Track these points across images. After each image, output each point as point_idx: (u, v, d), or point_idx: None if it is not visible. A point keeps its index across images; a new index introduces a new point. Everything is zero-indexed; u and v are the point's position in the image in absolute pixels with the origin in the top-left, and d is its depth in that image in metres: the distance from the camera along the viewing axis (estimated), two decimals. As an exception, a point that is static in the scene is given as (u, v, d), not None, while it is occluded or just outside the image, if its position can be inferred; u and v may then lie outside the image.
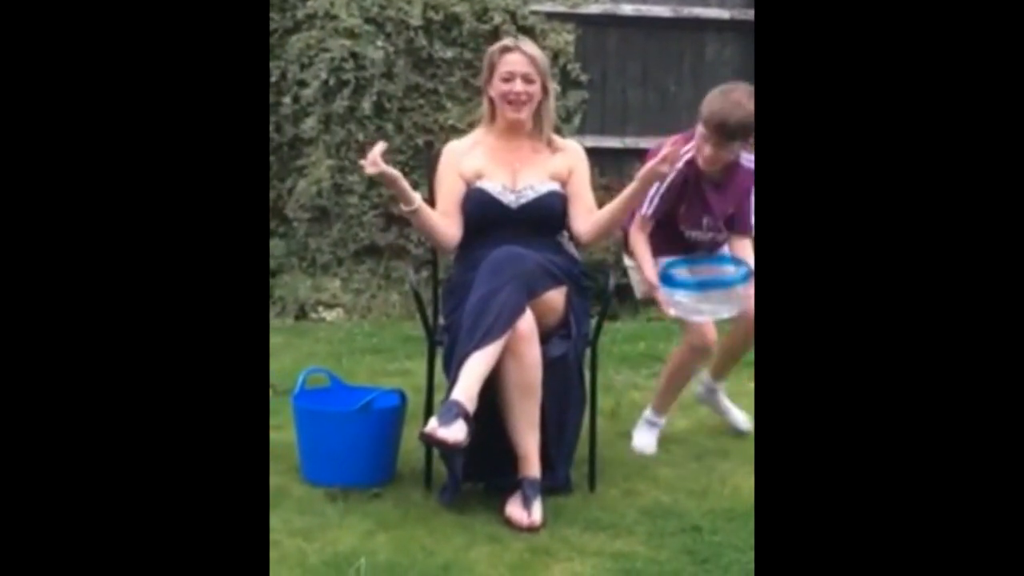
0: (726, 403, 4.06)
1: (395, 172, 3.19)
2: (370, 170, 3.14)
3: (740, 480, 3.43)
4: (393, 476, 3.38)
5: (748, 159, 3.69)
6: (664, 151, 3.19)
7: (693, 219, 3.71)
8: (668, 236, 3.71)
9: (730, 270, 3.71)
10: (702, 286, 3.67)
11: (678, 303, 3.61)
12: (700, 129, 3.58)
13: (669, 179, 3.51)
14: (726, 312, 3.64)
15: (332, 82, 6.09)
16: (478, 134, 3.49)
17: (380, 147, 3.12)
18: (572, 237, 3.46)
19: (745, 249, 3.75)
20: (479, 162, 3.40)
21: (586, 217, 3.40)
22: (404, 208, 3.28)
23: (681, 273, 3.68)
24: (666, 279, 3.63)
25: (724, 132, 3.52)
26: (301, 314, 5.95)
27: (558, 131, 3.59)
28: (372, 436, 3.33)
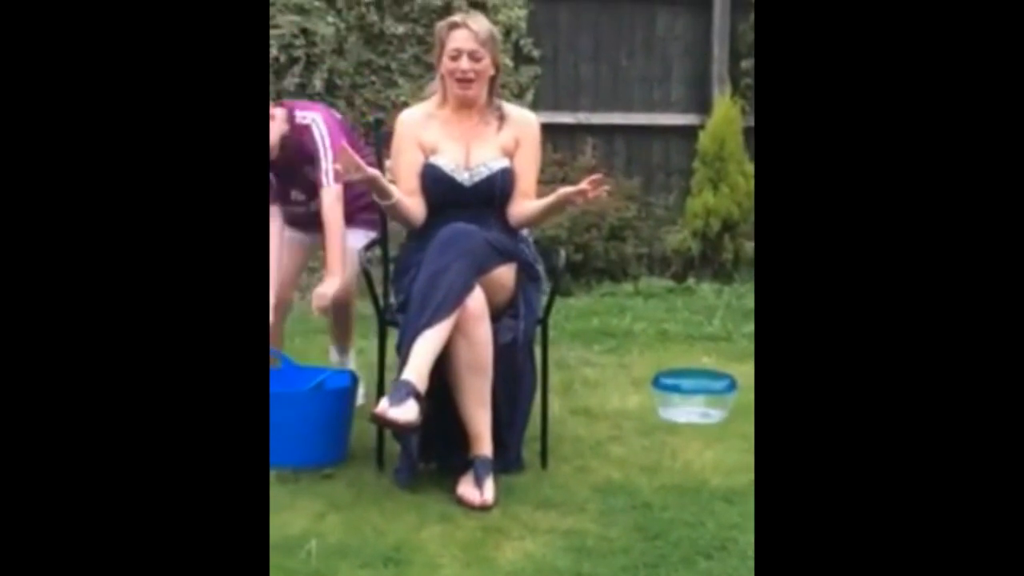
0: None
1: (375, 172, 3.18)
2: (355, 176, 3.12)
3: (690, 456, 3.45)
4: (345, 457, 3.37)
5: (300, 115, 3.57)
6: (584, 186, 3.18)
7: (284, 195, 3.69)
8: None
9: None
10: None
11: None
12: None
13: None
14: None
15: (283, 59, 6.03)
16: (431, 106, 3.45)
17: (352, 153, 3.11)
18: None
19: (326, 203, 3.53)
20: (434, 136, 3.38)
21: (518, 201, 3.36)
22: (381, 203, 3.26)
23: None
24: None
25: None
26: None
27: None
28: (323, 416, 3.32)
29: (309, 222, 3.69)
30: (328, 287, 3.44)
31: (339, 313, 3.72)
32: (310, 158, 3.51)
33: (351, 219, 3.62)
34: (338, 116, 3.70)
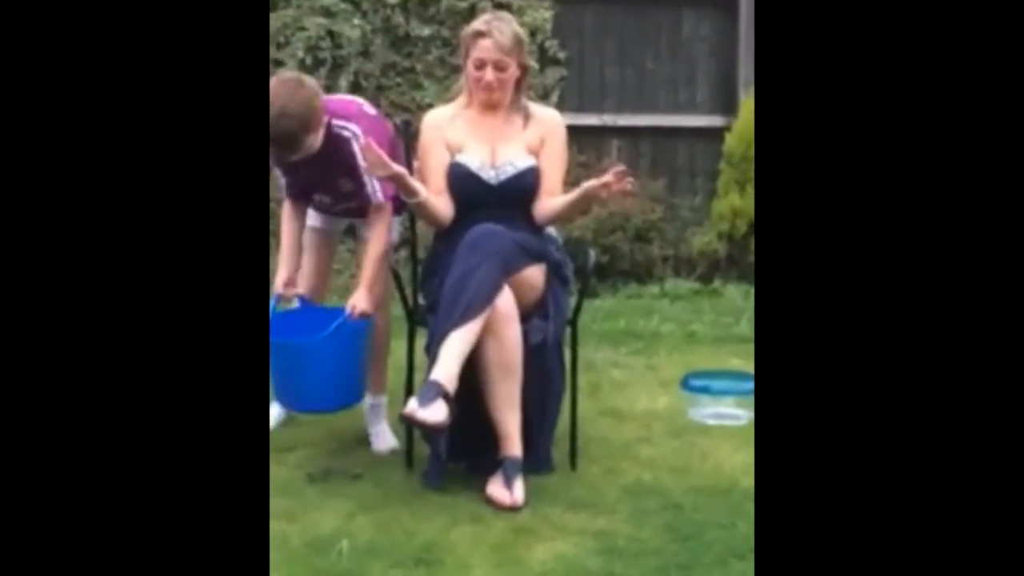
0: (380, 425, 3.61)
1: (402, 169, 3.17)
2: (380, 173, 3.12)
3: (721, 457, 3.43)
4: (361, 398, 3.45)
5: (339, 125, 3.33)
6: (608, 178, 3.12)
7: (304, 195, 3.54)
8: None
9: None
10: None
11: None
12: None
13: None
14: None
15: (309, 61, 6.05)
16: (456, 107, 3.44)
17: (377, 150, 3.09)
18: None
19: (373, 221, 3.41)
20: (460, 135, 3.37)
21: (543, 199, 3.34)
22: (408, 200, 3.25)
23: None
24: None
25: (275, 144, 3.17)
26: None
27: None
28: (341, 360, 3.31)
29: (333, 212, 3.62)
30: (359, 299, 3.34)
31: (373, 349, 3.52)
32: (346, 169, 3.36)
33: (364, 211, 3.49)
34: (373, 112, 3.52)
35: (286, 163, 3.38)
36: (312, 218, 3.65)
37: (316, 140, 3.27)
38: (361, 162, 3.27)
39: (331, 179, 3.44)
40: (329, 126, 3.31)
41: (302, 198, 3.56)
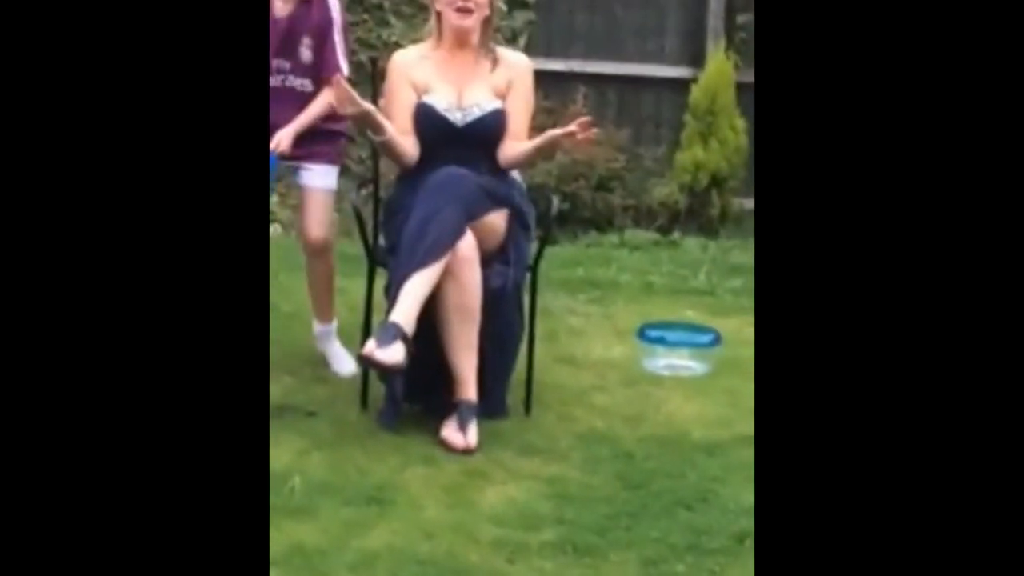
0: (334, 347, 3.65)
1: (370, 106, 3.16)
2: (350, 110, 3.10)
3: (673, 408, 3.47)
4: None
5: None
6: (572, 127, 3.12)
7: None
8: None
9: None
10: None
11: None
12: None
13: None
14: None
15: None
16: (425, 48, 3.42)
17: (347, 87, 3.08)
18: None
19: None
20: (427, 75, 3.35)
21: (508, 143, 3.33)
22: (375, 138, 3.24)
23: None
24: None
25: None
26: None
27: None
28: None
29: (285, 99, 3.38)
30: (284, 136, 3.33)
31: (316, 266, 3.56)
32: (315, 30, 3.35)
33: (310, 154, 3.45)
34: None
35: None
36: None
37: None
38: (336, 19, 3.35)
39: (295, 40, 3.39)
40: None
41: None
